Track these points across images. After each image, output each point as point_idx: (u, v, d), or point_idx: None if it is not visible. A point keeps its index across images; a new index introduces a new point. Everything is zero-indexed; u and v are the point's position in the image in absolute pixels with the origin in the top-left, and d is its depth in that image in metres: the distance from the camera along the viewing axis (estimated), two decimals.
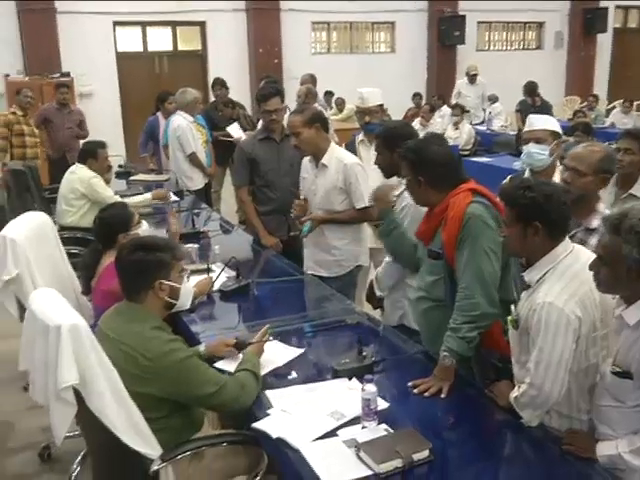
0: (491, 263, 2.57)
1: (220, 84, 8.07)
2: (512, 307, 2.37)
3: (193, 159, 6.52)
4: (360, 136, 4.46)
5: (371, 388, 2.25)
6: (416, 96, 12.26)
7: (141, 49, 12.06)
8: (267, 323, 3.02)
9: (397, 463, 2.03)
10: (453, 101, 11.42)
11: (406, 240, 3.05)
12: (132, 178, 6.81)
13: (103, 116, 10.69)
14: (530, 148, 3.35)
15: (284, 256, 4.27)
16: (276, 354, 2.78)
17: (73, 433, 3.64)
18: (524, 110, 9.63)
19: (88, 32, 10.94)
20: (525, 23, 15.48)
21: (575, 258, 2.27)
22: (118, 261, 2.50)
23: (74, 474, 3.32)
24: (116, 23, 11.49)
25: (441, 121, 10.68)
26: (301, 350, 2.84)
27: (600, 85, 15.81)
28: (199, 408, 2.54)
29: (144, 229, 3.50)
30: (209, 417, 2.66)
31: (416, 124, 9.36)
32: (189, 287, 2.59)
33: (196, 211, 5.21)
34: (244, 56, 12.46)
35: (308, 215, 3.90)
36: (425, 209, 2.84)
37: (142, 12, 11.36)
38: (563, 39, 15.65)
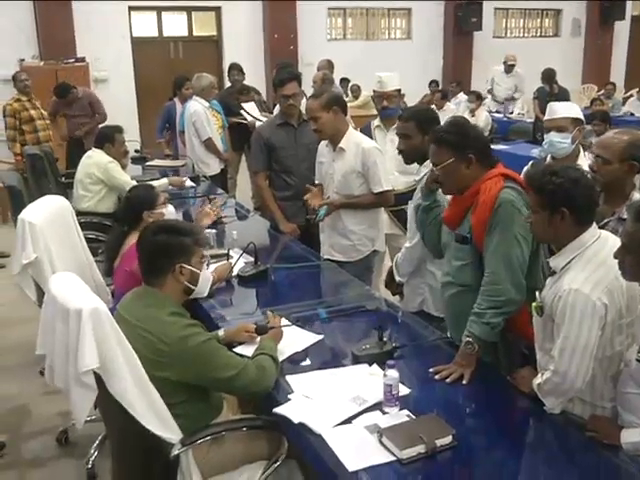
0: (521, 249, 2.54)
1: (237, 69, 8.01)
2: (537, 293, 2.34)
3: (209, 145, 6.50)
4: (376, 121, 4.41)
5: (393, 374, 2.23)
6: (432, 83, 12.16)
7: (156, 34, 12.00)
8: (285, 309, 3.03)
9: (420, 449, 2.02)
10: (488, 87, 11.26)
11: (440, 223, 3.00)
12: (148, 164, 6.81)
13: (118, 101, 10.62)
14: (552, 137, 3.29)
15: (302, 242, 4.25)
16: (295, 339, 2.77)
17: (91, 417, 3.67)
18: (542, 97, 9.53)
19: (103, 17, 10.89)
20: (542, 10, 15.30)
21: (602, 244, 2.23)
22: (140, 242, 2.50)
23: (92, 458, 3.33)
24: (131, 8, 11.43)
25: (455, 108, 10.56)
26: (320, 336, 2.82)
27: (617, 74, 15.60)
28: (218, 393, 2.53)
29: (170, 211, 3.51)
30: (228, 402, 2.65)
31: None
32: (208, 274, 2.58)
33: (213, 196, 5.17)
34: (259, 42, 12.38)
35: (324, 200, 3.88)
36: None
37: None
38: (580, 27, 15.46)
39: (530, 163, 3.47)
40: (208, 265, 2.59)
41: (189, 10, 12.15)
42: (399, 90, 4.41)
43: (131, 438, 2.30)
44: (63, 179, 6.46)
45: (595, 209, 2.26)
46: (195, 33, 12.36)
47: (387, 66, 10.55)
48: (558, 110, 3.34)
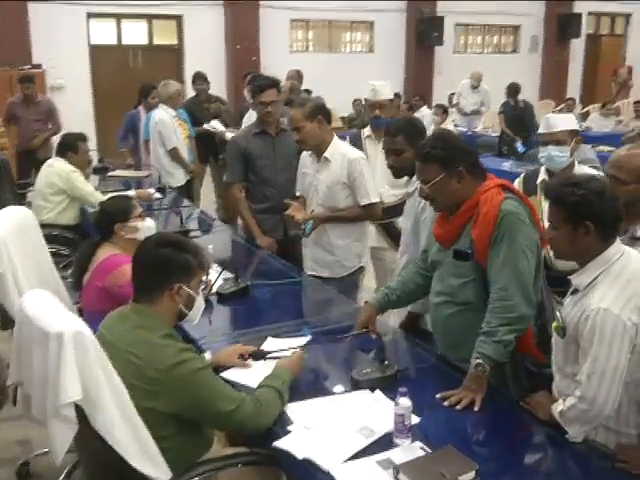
0: (528, 262, 2.41)
1: (202, 78, 7.80)
2: (557, 313, 2.19)
3: (174, 154, 6.25)
4: (366, 131, 4.26)
5: (406, 402, 2.05)
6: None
7: (115, 42, 11.70)
8: (270, 329, 2.83)
9: None
10: (455, 101, 11.26)
11: (407, 293, 2.87)
12: (110, 174, 6.51)
13: (74, 110, 10.28)
14: (551, 151, 3.16)
15: (280, 257, 4.04)
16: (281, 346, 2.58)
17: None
18: (507, 112, 9.55)
19: (60, 23, 10.57)
20: (501, 27, 15.48)
21: (627, 260, 2.09)
22: (140, 252, 2.25)
23: None
24: (90, 15, 11.12)
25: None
26: (307, 338, 2.63)
27: (573, 90, 15.88)
28: (210, 427, 2.29)
29: (148, 225, 3.26)
30: (217, 433, 2.41)
31: None
32: (202, 301, 2.34)
33: (180, 209, 4.94)
34: (221, 52, 12.18)
35: (308, 213, 3.69)
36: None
37: (117, 4, 10.98)
38: (538, 43, 15.70)
39: (522, 176, 3.35)
40: (204, 293, 2.36)
41: (149, 18, 11.89)
42: (392, 100, 4.27)
43: (113, 476, 2.05)
44: (16, 189, 6.13)
45: (620, 222, 2.12)
46: (155, 42, 12.10)
47: (349, 79, 10.60)
48: (557, 123, 3.22)
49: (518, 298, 2.37)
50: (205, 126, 6.92)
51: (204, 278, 2.37)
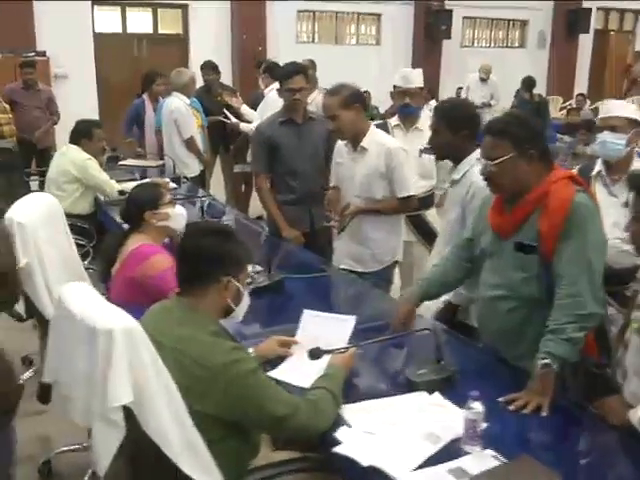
0: (598, 258, 2.28)
1: (211, 68, 7.58)
2: (636, 314, 2.04)
3: (190, 144, 6.09)
4: (394, 120, 4.11)
5: (479, 407, 1.90)
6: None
7: (120, 31, 11.50)
8: None
9: None
10: (463, 95, 11.10)
11: (446, 286, 2.79)
12: (121, 163, 6.33)
13: (78, 99, 10.11)
14: (605, 137, 3.01)
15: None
16: (329, 330, 2.43)
17: (74, 447, 3.26)
18: (522, 106, 9.41)
19: (65, 10, 10.32)
20: (509, 21, 15.32)
21: None
22: (187, 243, 2.09)
23: None
24: (95, 2, 10.91)
25: (430, 114, 10.35)
26: (352, 318, 2.47)
27: (580, 85, 15.74)
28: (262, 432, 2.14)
29: (179, 212, 3.10)
30: (263, 436, 2.26)
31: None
32: (247, 297, 2.18)
33: (203, 200, 4.77)
34: (227, 42, 12.00)
35: (343, 204, 3.53)
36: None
37: None
38: (546, 39, 15.54)
39: (577, 168, 3.20)
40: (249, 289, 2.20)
41: (155, 7, 11.70)
42: (422, 88, 4.12)
43: None
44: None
45: None
46: (160, 31, 11.91)
47: (356, 71, 10.42)
48: (613, 109, 3.08)
49: (588, 295, 2.24)
50: (222, 117, 6.69)
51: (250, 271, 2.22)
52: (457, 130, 2.93)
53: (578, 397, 2.32)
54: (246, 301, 2.16)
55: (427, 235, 4.20)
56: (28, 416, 3.50)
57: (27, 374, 3.86)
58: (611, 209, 2.89)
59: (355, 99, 3.45)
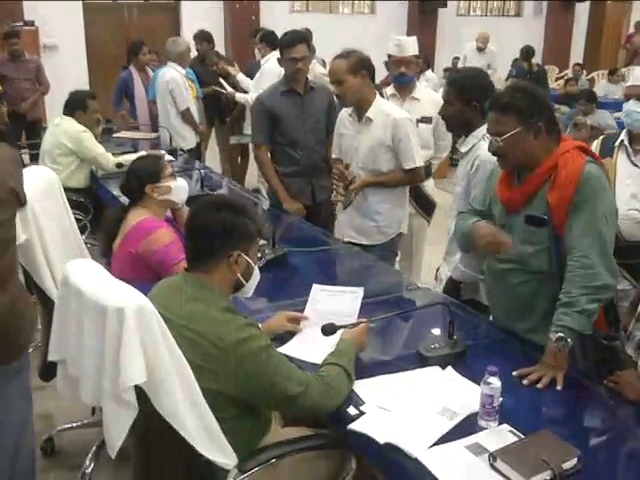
0: (609, 229, 2.26)
1: (205, 39, 7.39)
2: None
3: (186, 115, 5.99)
4: (390, 89, 4.03)
5: (496, 382, 1.87)
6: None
7: None
8: None
9: (546, 475, 1.66)
10: (460, 64, 10.96)
11: None
12: (116, 135, 6.21)
13: (68, 70, 9.92)
14: (630, 106, 2.92)
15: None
16: (338, 304, 2.40)
17: (75, 424, 3.22)
18: (521, 75, 9.31)
19: None
20: None
21: None
22: (195, 217, 2.02)
23: (88, 470, 2.85)
24: None
25: (427, 85, 10.24)
26: (360, 289, 2.43)
27: (576, 55, 15.59)
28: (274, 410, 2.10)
29: (180, 185, 3.03)
30: (275, 415, 2.22)
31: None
32: (257, 272, 2.12)
33: (203, 172, 4.68)
34: (219, 11, 11.75)
35: (348, 178, 3.46)
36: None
37: None
38: (542, 7, 15.34)
39: (601, 137, 3.13)
40: (261, 262, 2.14)
41: None
42: (417, 56, 4.03)
43: (174, 460, 1.86)
44: None
45: None
46: None
47: (351, 41, 10.19)
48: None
49: (600, 266, 2.20)
50: (218, 87, 6.57)
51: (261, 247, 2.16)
52: (469, 100, 2.85)
53: (588, 369, 2.31)
54: (256, 276, 2.11)
55: (426, 206, 4.16)
56: None
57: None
58: (630, 180, 2.84)
59: (362, 66, 3.36)
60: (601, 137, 3.12)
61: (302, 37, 3.93)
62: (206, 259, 1.97)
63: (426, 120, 3.98)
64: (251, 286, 2.11)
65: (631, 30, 14.79)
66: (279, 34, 7.55)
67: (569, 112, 7.60)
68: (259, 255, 2.15)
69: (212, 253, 1.97)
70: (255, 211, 2.14)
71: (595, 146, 2.95)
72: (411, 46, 3.95)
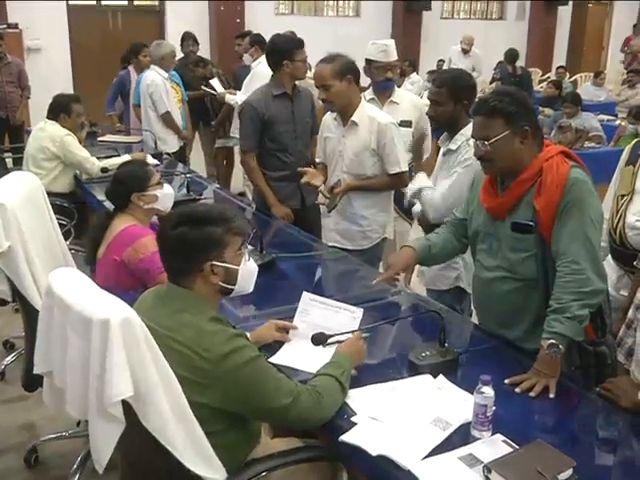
0: (598, 234, 2.25)
1: (192, 39, 7.39)
2: None
3: (167, 119, 5.93)
4: (368, 93, 4.00)
5: (489, 391, 1.84)
6: None
7: (94, 2, 11.13)
8: None
9: None
10: (445, 67, 10.99)
11: (445, 253, 2.71)
12: (100, 139, 6.14)
13: (52, 73, 9.87)
14: None
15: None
16: (332, 320, 2.33)
17: (60, 434, 3.16)
18: (505, 78, 9.33)
19: None
20: None
21: None
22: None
23: None
24: None
25: (412, 88, 10.25)
26: (360, 310, 2.36)
27: (559, 58, 15.69)
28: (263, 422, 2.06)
29: (167, 192, 2.98)
30: (264, 425, 2.18)
31: None
32: (251, 267, 2.08)
33: (188, 176, 4.63)
34: (204, 14, 11.69)
35: (331, 181, 3.44)
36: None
37: None
38: (525, 10, 15.42)
39: (633, 142, 3.06)
40: (249, 256, 2.09)
41: None
42: (398, 60, 4.03)
43: (161, 476, 1.82)
44: None
45: None
46: (136, 2, 11.56)
47: (336, 43, 10.23)
48: None
49: (590, 272, 2.19)
50: (211, 81, 6.51)
51: (243, 242, 2.07)
52: (459, 100, 2.91)
53: (573, 375, 2.28)
54: (247, 273, 2.05)
55: (408, 210, 4.14)
56: (12, 402, 3.43)
57: (9, 358, 3.74)
58: None
59: (348, 70, 3.34)
60: (634, 141, 2.97)
61: (301, 41, 3.94)
62: (179, 276, 1.93)
63: (406, 124, 3.96)
64: (245, 285, 2.06)
65: (628, 33, 14.92)
66: (264, 36, 7.59)
67: (554, 114, 7.61)
68: (245, 251, 2.06)
69: (181, 271, 1.92)
70: (223, 210, 2.05)
71: (626, 151, 2.88)
72: (394, 50, 3.93)
